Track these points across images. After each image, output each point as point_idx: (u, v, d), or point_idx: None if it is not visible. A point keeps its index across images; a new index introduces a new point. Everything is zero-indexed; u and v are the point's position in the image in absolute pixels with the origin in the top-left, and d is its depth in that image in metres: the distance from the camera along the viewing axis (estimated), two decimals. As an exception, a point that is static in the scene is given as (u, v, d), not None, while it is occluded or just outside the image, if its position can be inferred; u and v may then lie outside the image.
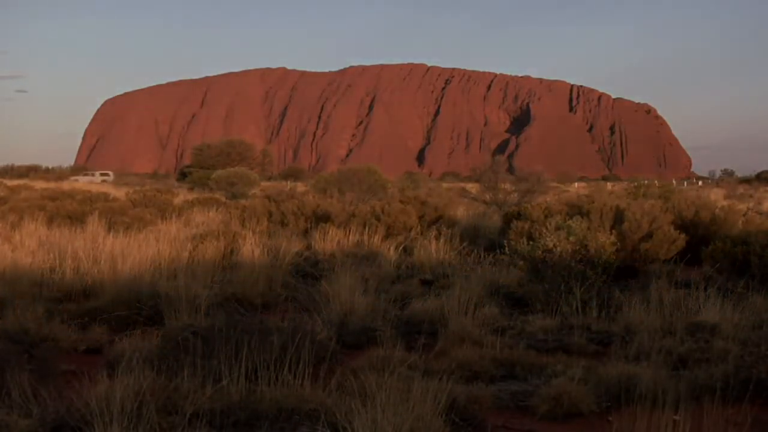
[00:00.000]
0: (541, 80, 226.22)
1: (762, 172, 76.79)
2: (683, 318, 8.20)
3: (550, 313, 8.75)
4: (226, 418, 5.18)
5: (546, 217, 12.97)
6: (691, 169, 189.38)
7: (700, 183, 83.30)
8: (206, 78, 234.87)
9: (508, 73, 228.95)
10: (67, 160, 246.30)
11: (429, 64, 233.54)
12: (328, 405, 5.19)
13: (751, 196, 43.19)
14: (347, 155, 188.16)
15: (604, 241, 9.76)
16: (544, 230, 9.87)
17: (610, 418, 5.52)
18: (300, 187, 42.06)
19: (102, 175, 78.89)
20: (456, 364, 6.65)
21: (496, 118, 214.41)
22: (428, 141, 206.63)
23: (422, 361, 6.67)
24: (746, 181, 71.58)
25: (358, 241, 15.23)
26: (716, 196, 37.78)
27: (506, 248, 10.81)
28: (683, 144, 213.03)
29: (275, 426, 5.15)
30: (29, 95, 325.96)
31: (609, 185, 62.34)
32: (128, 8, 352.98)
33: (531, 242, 9.97)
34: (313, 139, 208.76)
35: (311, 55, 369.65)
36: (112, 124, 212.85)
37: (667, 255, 12.05)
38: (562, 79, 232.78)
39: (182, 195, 31.91)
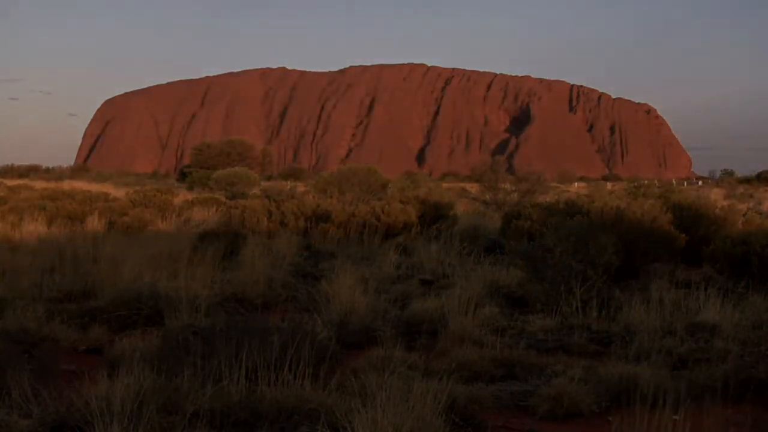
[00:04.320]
0: (541, 80, 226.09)
1: (762, 172, 76.73)
2: (683, 318, 8.20)
3: (550, 313, 8.75)
4: (226, 418, 5.18)
5: (546, 216, 12.96)
6: (691, 169, 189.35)
7: (700, 183, 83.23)
8: (206, 78, 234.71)
9: (508, 73, 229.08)
10: (67, 160, 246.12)
11: (429, 64, 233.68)
12: (328, 405, 5.19)
13: (751, 196, 43.17)
14: (347, 155, 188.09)
15: (603, 241, 9.76)
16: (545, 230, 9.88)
17: (610, 418, 5.52)
18: (300, 187, 42.04)
19: None
20: (456, 364, 6.65)
21: (496, 118, 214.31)
22: (428, 141, 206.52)
23: (422, 361, 6.68)
24: (746, 181, 71.55)
25: (357, 241, 15.24)
26: (716, 196, 37.77)
27: (506, 248, 10.81)
28: (683, 144, 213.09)
29: (275, 426, 5.14)
30: (29, 95, 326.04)
31: (609, 185, 62.33)
32: (128, 8, 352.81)
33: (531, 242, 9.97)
34: (313, 139, 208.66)
35: (311, 55, 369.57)
36: (112, 124, 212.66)
37: (667, 255, 12.04)
38: (562, 78, 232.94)
39: (182, 195, 31.91)
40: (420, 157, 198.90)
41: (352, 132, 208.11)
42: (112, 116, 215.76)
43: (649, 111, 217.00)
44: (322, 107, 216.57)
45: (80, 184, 43.08)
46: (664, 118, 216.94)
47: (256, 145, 78.79)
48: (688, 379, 6.15)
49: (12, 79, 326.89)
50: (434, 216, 17.98)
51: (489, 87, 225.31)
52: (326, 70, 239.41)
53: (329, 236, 15.65)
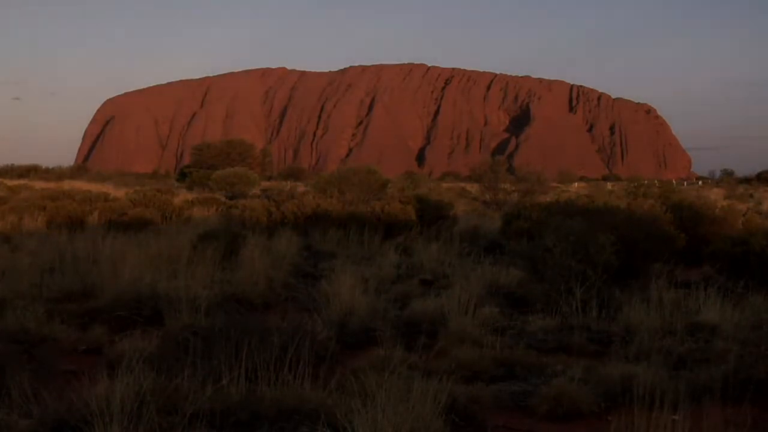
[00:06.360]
0: (541, 80, 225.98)
1: (762, 172, 76.76)
2: (683, 318, 8.21)
3: (550, 313, 8.76)
4: (226, 418, 5.18)
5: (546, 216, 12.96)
6: (691, 169, 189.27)
7: (700, 183, 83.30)
8: (206, 78, 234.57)
9: (508, 73, 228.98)
10: (67, 160, 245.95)
11: (429, 64, 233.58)
12: (328, 405, 5.19)
13: (751, 196, 43.25)
14: (347, 155, 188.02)
15: (603, 241, 9.76)
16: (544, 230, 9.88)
17: (610, 418, 5.52)
18: (300, 187, 42.06)
19: None
20: (456, 364, 6.65)
21: (496, 118, 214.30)
22: (428, 141, 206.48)
23: (422, 361, 6.68)
24: (746, 181, 71.61)
25: (358, 241, 15.24)
26: (716, 196, 37.79)
27: (506, 248, 10.81)
28: (683, 144, 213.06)
29: (275, 426, 5.14)
30: (29, 95, 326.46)
31: (609, 185, 62.30)
32: (128, 8, 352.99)
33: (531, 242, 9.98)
34: (313, 139, 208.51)
35: (311, 55, 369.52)
36: (112, 124, 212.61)
37: (667, 255, 12.04)
38: (562, 78, 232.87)
39: (182, 195, 31.90)
40: (420, 157, 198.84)
41: (352, 132, 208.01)
42: (112, 116, 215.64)
43: (649, 111, 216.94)
44: (322, 107, 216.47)
45: (80, 184, 43.02)
46: (665, 118, 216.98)
47: (256, 145, 78.78)
48: (688, 379, 6.16)
49: (12, 81, 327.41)
50: (434, 216, 17.98)
51: (489, 87, 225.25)
52: (326, 70, 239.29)
53: (329, 236, 15.65)
